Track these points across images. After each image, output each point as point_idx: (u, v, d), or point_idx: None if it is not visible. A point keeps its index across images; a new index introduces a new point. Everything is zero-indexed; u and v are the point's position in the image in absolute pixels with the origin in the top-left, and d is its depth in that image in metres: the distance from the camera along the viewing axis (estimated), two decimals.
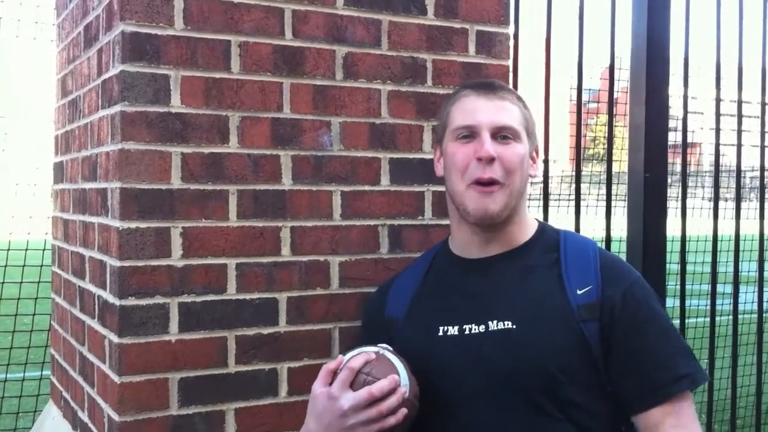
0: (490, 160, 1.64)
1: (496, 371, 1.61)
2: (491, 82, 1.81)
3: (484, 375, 1.62)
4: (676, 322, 2.95)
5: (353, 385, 1.57)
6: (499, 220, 1.69)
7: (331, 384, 1.58)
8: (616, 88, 2.95)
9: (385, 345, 1.67)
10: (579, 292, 1.63)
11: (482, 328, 1.65)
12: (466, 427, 1.62)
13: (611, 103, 2.89)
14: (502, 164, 1.66)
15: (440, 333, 1.68)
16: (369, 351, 1.63)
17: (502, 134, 1.67)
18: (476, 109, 1.69)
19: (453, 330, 1.67)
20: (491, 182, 1.65)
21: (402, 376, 1.59)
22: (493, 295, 1.68)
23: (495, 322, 1.64)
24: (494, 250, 1.73)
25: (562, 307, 1.62)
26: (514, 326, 1.62)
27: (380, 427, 1.54)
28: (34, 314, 4.77)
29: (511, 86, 2.22)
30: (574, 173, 2.97)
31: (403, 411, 1.56)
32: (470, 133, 1.68)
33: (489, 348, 1.62)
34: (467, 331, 1.66)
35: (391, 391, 1.55)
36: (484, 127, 1.66)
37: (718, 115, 3.08)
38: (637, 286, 1.67)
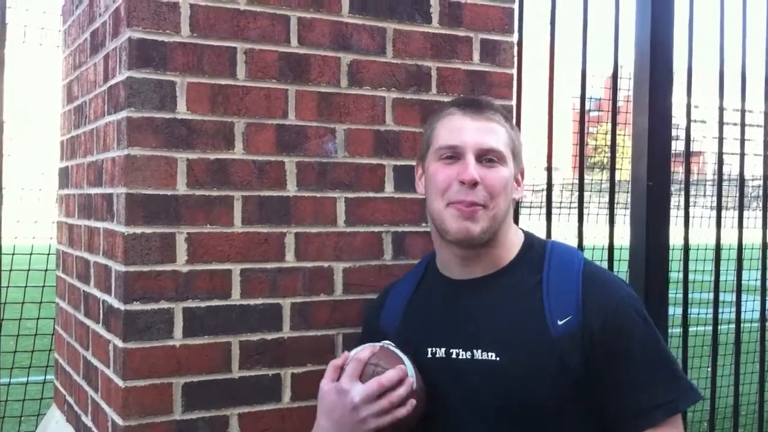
0: (473, 184, 1.60)
1: (484, 403, 1.61)
2: (478, 100, 1.76)
3: (472, 405, 1.62)
4: (678, 330, 2.96)
5: (362, 377, 1.57)
6: (479, 242, 1.64)
7: (338, 380, 1.59)
8: (618, 97, 2.96)
9: (388, 342, 1.69)
10: (560, 323, 1.58)
11: (468, 354, 1.63)
12: None
13: (614, 111, 2.89)
14: (486, 188, 1.61)
15: (428, 355, 1.68)
16: (373, 345, 1.65)
17: (487, 157, 1.63)
18: (462, 129, 1.64)
19: (440, 353, 1.67)
20: (473, 204, 1.61)
21: (408, 367, 1.61)
22: (477, 321, 1.66)
23: (480, 351, 1.62)
24: (477, 271, 1.70)
25: (544, 338, 1.59)
26: (498, 359, 1.60)
27: (392, 418, 1.55)
28: (38, 318, 4.78)
29: (514, 94, 2.24)
30: (576, 181, 2.97)
31: (413, 402, 1.57)
32: (454, 154, 1.64)
33: (476, 379, 1.62)
34: (454, 356, 1.65)
35: (400, 381, 1.56)
36: (468, 149, 1.62)
37: (721, 123, 3.09)
38: (620, 310, 1.60)
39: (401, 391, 1.56)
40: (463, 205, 1.61)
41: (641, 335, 1.60)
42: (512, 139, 1.68)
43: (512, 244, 1.72)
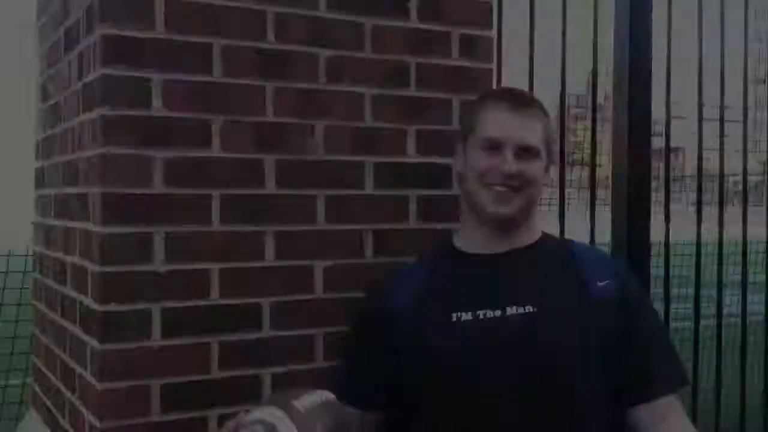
0: (511, 177, 1.72)
1: (514, 353, 1.64)
2: (523, 95, 1.85)
3: (502, 357, 1.64)
4: None
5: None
6: (512, 221, 1.76)
7: None
8: (599, 94, 2.95)
9: (311, 401, 1.55)
10: (599, 284, 1.71)
11: (498, 312, 1.67)
12: (484, 410, 1.63)
13: (594, 108, 2.89)
14: (522, 177, 1.74)
15: (453, 319, 1.69)
16: (267, 418, 1.52)
17: (525, 151, 1.75)
18: (506, 125, 1.75)
19: (466, 316, 1.68)
20: (508, 188, 1.73)
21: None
22: (508, 284, 1.72)
23: (514, 307, 1.67)
24: (503, 247, 1.77)
25: (584, 297, 1.69)
26: (535, 309, 1.66)
27: None
28: (17, 321, 4.74)
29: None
30: (557, 177, 2.97)
31: None
32: (495, 146, 1.75)
33: (507, 331, 1.65)
34: (481, 316, 1.67)
35: None
36: (509, 144, 1.73)
37: (700, 120, 3.09)
38: (642, 290, 1.80)
39: None
40: (499, 189, 1.74)
41: (657, 316, 1.82)
42: (548, 133, 1.81)
43: (537, 229, 1.85)
